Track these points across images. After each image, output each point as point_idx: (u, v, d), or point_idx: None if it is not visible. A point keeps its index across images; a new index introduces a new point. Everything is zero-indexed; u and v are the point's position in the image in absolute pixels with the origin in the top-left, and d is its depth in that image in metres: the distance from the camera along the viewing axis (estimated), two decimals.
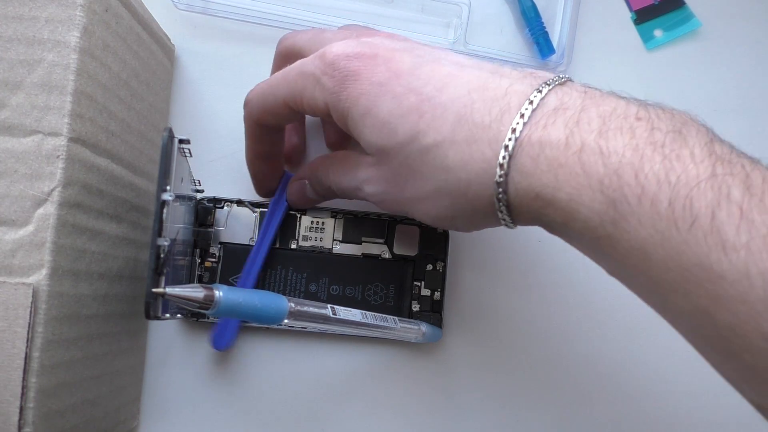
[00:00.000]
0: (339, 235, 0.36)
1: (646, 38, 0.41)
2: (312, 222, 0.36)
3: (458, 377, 0.37)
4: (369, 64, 0.27)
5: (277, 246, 0.36)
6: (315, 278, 0.36)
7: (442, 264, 0.36)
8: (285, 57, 0.34)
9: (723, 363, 0.21)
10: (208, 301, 0.24)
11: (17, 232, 0.24)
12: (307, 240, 0.36)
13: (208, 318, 0.35)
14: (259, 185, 0.35)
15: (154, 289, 0.24)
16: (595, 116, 0.22)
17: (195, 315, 0.34)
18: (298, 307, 0.27)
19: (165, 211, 0.26)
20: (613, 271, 0.23)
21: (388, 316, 0.32)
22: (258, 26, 0.38)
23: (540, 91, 0.24)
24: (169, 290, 0.24)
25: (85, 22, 0.26)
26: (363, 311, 0.31)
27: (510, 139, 0.23)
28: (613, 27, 0.41)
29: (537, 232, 0.26)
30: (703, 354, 0.22)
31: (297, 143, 0.37)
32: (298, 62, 0.29)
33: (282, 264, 0.35)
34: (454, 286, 0.38)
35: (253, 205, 0.36)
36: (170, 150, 0.27)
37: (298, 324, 0.28)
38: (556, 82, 0.24)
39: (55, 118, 0.25)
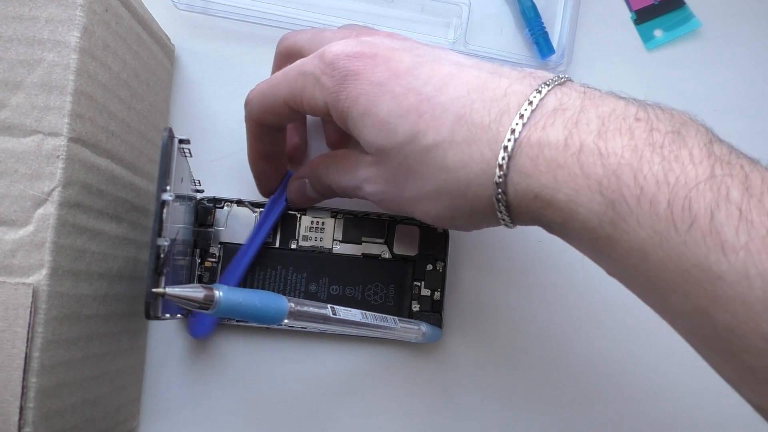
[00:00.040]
0: (339, 235, 0.36)
1: (646, 38, 0.41)
2: (312, 222, 0.36)
3: (458, 377, 0.37)
4: (368, 64, 0.27)
5: (277, 246, 0.36)
6: (315, 278, 0.36)
7: (442, 264, 0.36)
8: (285, 57, 0.34)
9: (722, 363, 0.21)
10: (208, 301, 0.24)
11: (17, 232, 0.24)
12: (307, 240, 0.36)
13: None
14: (262, 185, 0.35)
15: (154, 289, 0.24)
16: (594, 117, 0.22)
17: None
18: (298, 307, 0.28)
19: (165, 211, 0.26)
20: (612, 272, 0.23)
21: (388, 316, 0.32)
22: (258, 26, 0.38)
23: (539, 92, 0.24)
24: (169, 290, 0.24)
25: (85, 22, 0.26)
26: (363, 311, 0.31)
27: (509, 140, 0.23)
28: (613, 27, 0.41)
29: (536, 232, 0.26)
30: (702, 354, 0.22)
31: (298, 143, 0.37)
32: (298, 62, 0.29)
33: (282, 264, 0.36)
34: (454, 286, 0.38)
35: (253, 205, 0.36)
36: (170, 150, 0.27)
37: (298, 324, 0.28)
38: (556, 83, 0.24)
39: (55, 118, 0.25)
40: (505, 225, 0.26)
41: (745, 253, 0.18)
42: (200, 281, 0.35)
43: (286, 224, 0.36)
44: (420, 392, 0.37)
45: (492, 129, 0.24)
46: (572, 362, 0.38)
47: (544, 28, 0.39)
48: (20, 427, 0.23)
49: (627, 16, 0.41)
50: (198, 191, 0.35)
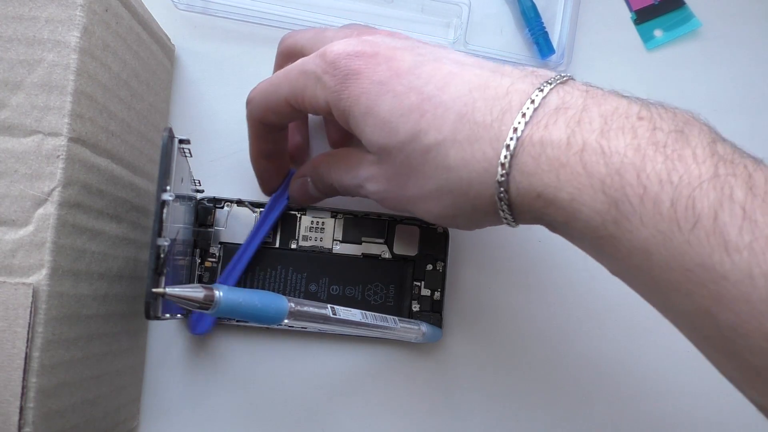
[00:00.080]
0: (339, 235, 0.36)
1: (646, 38, 0.41)
2: (312, 222, 0.36)
3: (458, 377, 0.37)
4: (370, 63, 0.27)
5: (277, 246, 0.36)
6: (315, 278, 0.36)
7: (442, 264, 0.36)
8: (286, 56, 0.34)
9: (725, 363, 0.21)
10: (208, 301, 0.24)
11: (17, 232, 0.24)
12: (307, 240, 0.36)
13: None
14: (264, 183, 0.35)
15: (154, 289, 0.24)
16: (597, 116, 0.22)
17: None
18: (298, 307, 0.27)
19: (165, 211, 0.26)
20: (615, 271, 0.23)
21: (388, 316, 0.32)
22: (258, 26, 0.38)
23: (541, 90, 0.24)
24: (169, 290, 0.24)
25: (85, 22, 0.26)
26: (363, 311, 0.31)
27: (511, 139, 0.23)
28: (613, 27, 0.41)
29: (537, 231, 0.26)
30: (705, 354, 0.22)
31: (300, 141, 0.37)
32: (300, 61, 0.29)
33: (282, 264, 0.35)
34: (454, 286, 0.38)
35: (253, 205, 0.36)
36: (170, 150, 0.27)
37: (298, 324, 0.28)
38: (558, 81, 0.24)
39: (55, 118, 0.25)
40: (508, 224, 0.26)
41: (748, 253, 0.18)
42: (200, 281, 0.35)
43: (286, 224, 0.36)
44: (420, 392, 0.37)
45: (494, 128, 0.24)
46: (572, 362, 0.38)
47: (544, 28, 0.39)
48: (20, 427, 0.23)
49: (627, 16, 0.41)
50: (198, 191, 0.35)
